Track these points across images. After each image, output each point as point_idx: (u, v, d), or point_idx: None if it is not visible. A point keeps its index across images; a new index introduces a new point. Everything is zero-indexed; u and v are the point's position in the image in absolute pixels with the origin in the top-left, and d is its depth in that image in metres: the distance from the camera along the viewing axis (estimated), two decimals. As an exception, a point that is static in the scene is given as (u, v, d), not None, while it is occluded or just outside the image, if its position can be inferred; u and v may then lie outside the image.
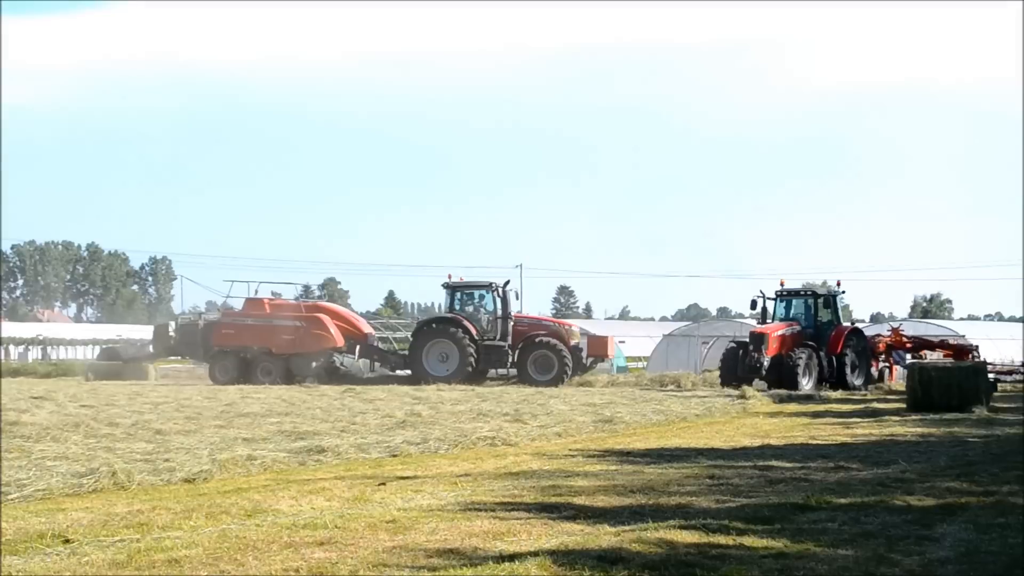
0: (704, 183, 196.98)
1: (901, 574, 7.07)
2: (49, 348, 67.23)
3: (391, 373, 36.27)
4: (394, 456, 14.00)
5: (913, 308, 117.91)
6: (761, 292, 33.68)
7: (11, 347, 65.28)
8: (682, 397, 26.56)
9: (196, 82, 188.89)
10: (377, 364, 37.27)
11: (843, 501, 9.83)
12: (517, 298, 36.74)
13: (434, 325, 36.12)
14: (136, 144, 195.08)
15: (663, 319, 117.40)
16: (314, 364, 35.30)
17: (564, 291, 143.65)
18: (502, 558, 7.32)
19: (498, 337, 35.34)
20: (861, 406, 24.76)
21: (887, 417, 21.26)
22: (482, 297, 36.27)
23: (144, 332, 48.01)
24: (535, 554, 7.35)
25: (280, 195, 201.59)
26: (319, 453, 13.68)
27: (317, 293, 37.56)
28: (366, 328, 38.21)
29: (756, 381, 30.90)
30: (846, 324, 34.24)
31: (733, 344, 33.08)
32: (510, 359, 35.27)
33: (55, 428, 16.23)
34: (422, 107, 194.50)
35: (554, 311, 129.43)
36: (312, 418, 18.86)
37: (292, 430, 16.39)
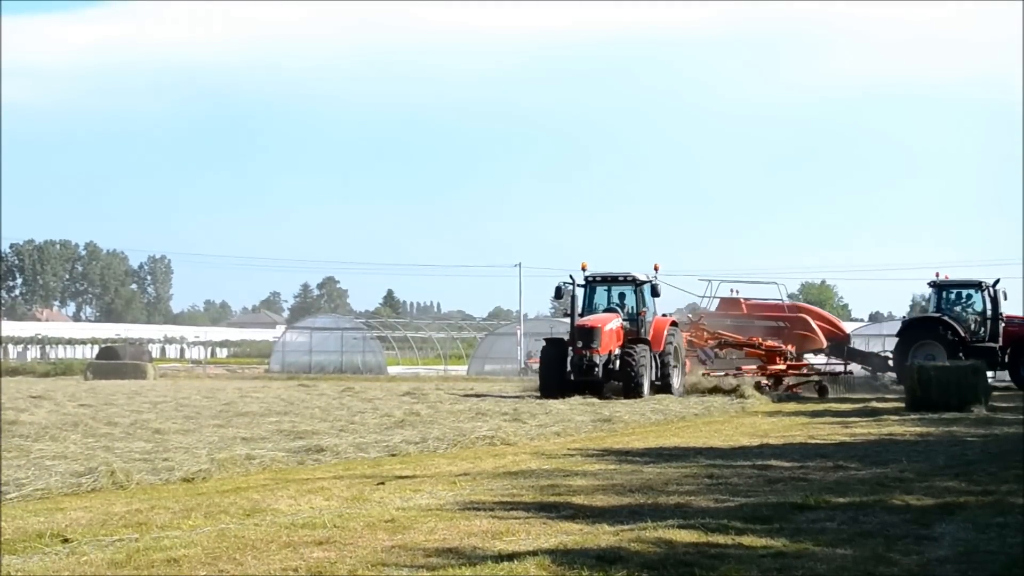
0: (703, 182, 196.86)
1: (900, 573, 7.06)
2: (48, 347, 67.35)
3: (871, 375, 35.28)
4: (393, 455, 14.00)
5: (912, 307, 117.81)
6: (571, 278, 28.32)
7: (10, 346, 65.36)
8: (681, 396, 26.50)
9: (195, 81, 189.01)
10: (862, 367, 36.12)
11: (842, 500, 9.83)
12: (1006, 298, 34.04)
13: (921, 325, 34.28)
14: (135, 143, 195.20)
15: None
16: None
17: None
18: (501, 557, 7.31)
19: (987, 338, 33.42)
20: (860, 405, 24.79)
21: (886, 416, 21.30)
22: (970, 296, 34.39)
23: (142, 332, 47.86)
24: (534, 553, 7.34)
25: (279, 194, 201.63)
26: (318, 452, 13.69)
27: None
28: (848, 329, 37.20)
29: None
30: (665, 316, 29.05)
31: (545, 342, 28.02)
32: (1000, 361, 33.23)
33: (54, 427, 16.24)
34: (421, 106, 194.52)
35: (552, 310, 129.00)
36: (311, 417, 18.86)
37: (291, 429, 16.39)
